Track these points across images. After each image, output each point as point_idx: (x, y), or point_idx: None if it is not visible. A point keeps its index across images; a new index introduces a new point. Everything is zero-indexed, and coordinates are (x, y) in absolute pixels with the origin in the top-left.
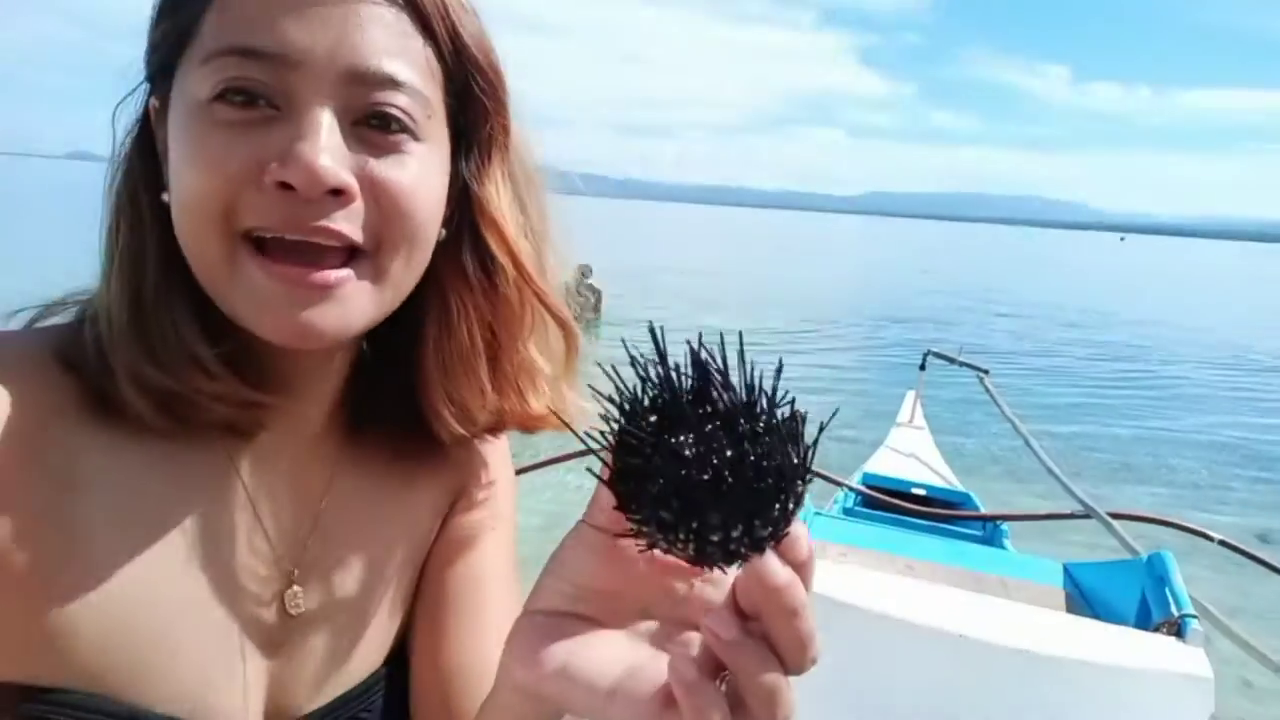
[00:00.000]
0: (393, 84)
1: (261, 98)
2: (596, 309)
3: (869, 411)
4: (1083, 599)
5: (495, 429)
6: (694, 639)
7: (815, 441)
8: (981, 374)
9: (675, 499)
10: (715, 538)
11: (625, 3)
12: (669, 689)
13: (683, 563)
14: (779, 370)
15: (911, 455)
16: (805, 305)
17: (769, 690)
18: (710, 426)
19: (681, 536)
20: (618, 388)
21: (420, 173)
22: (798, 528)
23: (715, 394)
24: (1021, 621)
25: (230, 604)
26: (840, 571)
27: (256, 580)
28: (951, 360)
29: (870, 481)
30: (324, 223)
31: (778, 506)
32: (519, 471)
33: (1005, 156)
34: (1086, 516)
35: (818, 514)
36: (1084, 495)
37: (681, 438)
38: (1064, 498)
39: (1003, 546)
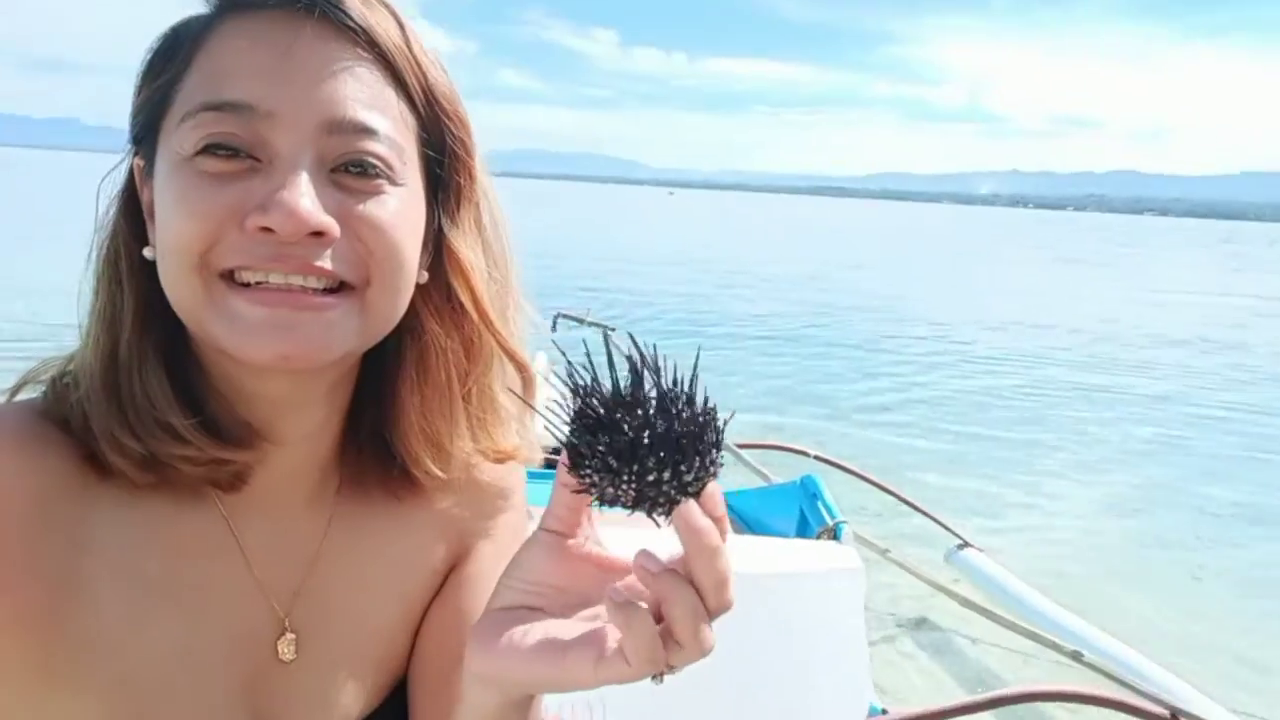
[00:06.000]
0: (368, 133)
1: (243, 150)
2: None
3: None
4: (745, 525)
5: (471, 465)
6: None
7: (726, 422)
8: (609, 331)
9: (622, 452)
10: (650, 478)
11: None
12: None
13: (617, 558)
14: (696, 365)
15: None
16: None
17: (692, 620)
18: (649, 408)
19: (625, 479)
20: (574, 377)
21: (399, 210)
22: (714, 488)
23: (651, 384)
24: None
25: (223, 653)
26: None
27: (249, 629)
28: (581, 321)
29: None
30: (308, 260)
31: (698, 462)
32: None
33: (566, 115)
34: None
35: None
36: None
37: (630, 412)
38: None
39: None
